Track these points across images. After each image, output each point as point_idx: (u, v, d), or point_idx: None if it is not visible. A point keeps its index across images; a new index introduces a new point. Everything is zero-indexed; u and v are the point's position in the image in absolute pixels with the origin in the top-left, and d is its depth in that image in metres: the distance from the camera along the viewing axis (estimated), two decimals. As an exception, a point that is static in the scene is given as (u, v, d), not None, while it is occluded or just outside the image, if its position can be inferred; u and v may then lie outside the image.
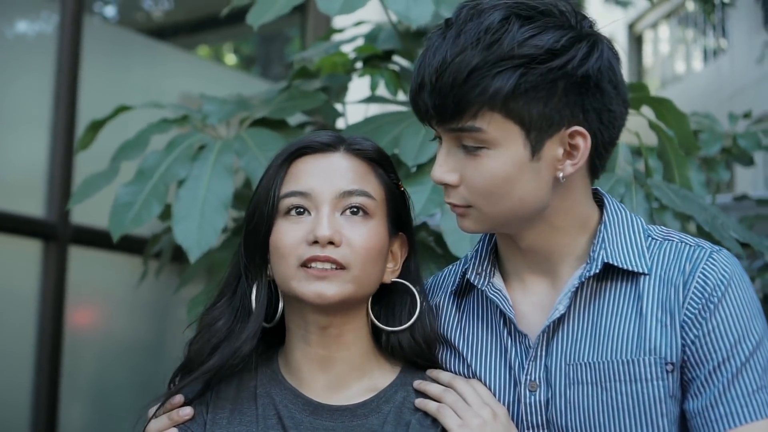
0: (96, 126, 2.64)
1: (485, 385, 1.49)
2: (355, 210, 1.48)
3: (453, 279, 1.59)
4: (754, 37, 12.53)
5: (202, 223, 2.24)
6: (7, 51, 4.31)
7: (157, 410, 1.51)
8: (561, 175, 1.40)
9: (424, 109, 1.40)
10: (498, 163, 1.38)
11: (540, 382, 1.45)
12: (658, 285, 1.44)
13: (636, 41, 17.34)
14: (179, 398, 1.51)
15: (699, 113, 3.49)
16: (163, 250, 2.89)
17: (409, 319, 1.53)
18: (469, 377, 1.51)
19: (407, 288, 1.55)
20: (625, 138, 1.79)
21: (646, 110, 2.45)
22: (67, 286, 4.18)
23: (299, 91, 2.57)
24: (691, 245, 1.46)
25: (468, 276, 1.53)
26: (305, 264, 1.44)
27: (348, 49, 2.73)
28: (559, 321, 1.46)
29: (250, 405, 1.50)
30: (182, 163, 2.35)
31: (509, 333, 1.49)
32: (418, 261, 1.59)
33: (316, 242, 1.44)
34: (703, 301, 1.41)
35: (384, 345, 1.54)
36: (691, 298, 1.42)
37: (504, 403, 1.47)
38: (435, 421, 1.45)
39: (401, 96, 2.68)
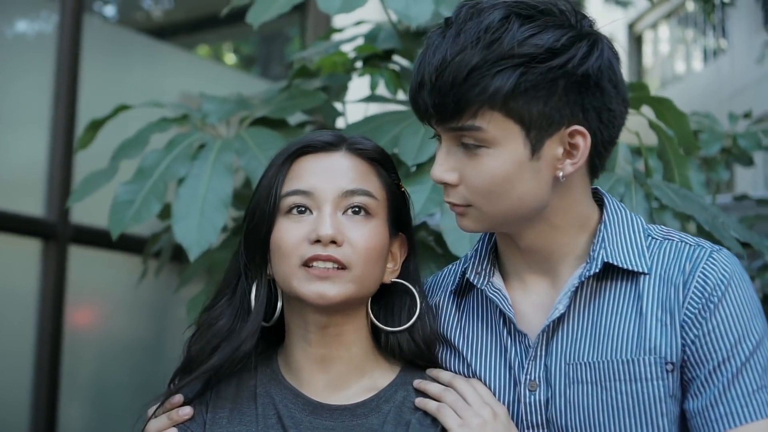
0: (95, 125, 2.64)
1: (485, 384, 1.49)
2: (357, 210, 1.47)
3: (452, 278, 1.59)
4: (754, 37, 12.53)
5: (202, 222, 2.24)
6: (7, 50, 4.31)
7: (156, 410, 1.50)
8: (561, 174, 1.40)
9: (423, 108, 1.40)
10: (498, 162, 1.38)
11: (540, 381, 1.45)
12: (658, 284, 1.44)
13: (636, 41, 17.33)
14: (179, 398, 1.50)
15: (699, 113, 3.49)
16: (163, 249, 2.89)
17: (409, 320, 1.53)
18: (469, 377, 1.51)
19: (406, 288, 1.55)
20: (625, 138, 1.79)
21: (646, 110, 2.45)
22: (67, 285, 4.18)
23: (299, 90, 2.57)
24: (691, 245, 1.46)
25: (467, 275, 1.53)
26: (307, 263, 1.44)
27: (348, 48, 2.73)
28: (559, 320, 1.46)
29: (250, 404, 1.50)
30: (182, 161, 2.35)
31: (509, 332, 1.49)
32: (417, 261, 1.58)
33: (318, 241, 1.44)
34: (703, 300, 1.41)
35: (383, 345, 1.54)
36: (691, 298, 1.42)
37: (504, 403, 1.47)
38: (435, 421, 1.45)
39: (401, 95, 2.68)
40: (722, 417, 1.38)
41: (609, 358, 1.42)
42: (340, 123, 2.76)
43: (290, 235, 1.46)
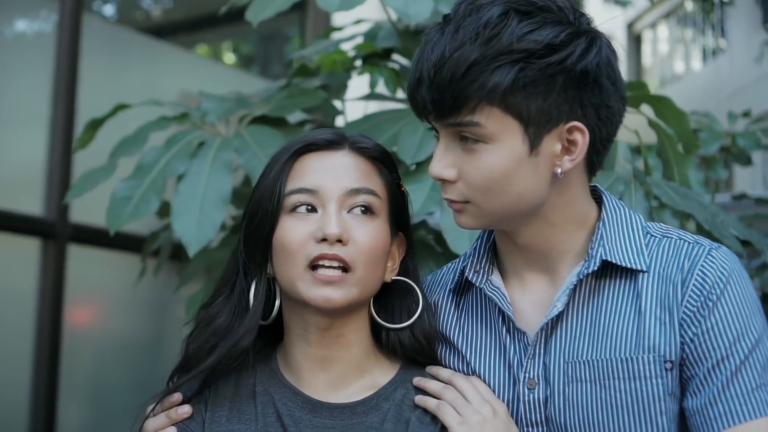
0: (95, 124, 2.64)
1: (484, 382, 1.49)
2: (363, 209, 1.47)
3: (451, 277, 1.59)
4: (753, 36, 12.53)
5: (201, 218, 2.24)
6: (7, 50, 4.31)
7: (153, 408, 1.50)
8: (559, 170, 1.40)
9: (422, 104, 1.40)
10: (496, 158, 1.38)
11: (539, 379, 1.45)
12: (656, 282, 1.44)
13: (635, 41, 17.34)
14: (177, 396, 1.50)
15: (698, 112, 3.50)
16: (162, 247, 2.89)
17: (409, 317, 1.52)
18: (469, 375, 1.50)
19: (406, 285, 1.54)
20: (625, 136, 1.79)
21: (645, 108, 2.45)
22: (66, 284, 4.18)
23: (299, 88, 2.57)
24: (690, 242, 1.46)
25: (466, 274, 1.53)
26: (313, 264, 1.43)
27: (347, 47, 2.73)
28: (558, 318, 1.45)
29: (249, 403, 1.49)
30: (181, 158, 2.35)
31: (508, 330, 1.49)
32: (416, 260, 1.58)
33: (324, 240, 1.43)
34: (702, 298, 1.41)
35: (384, 342, 1.54)
36: (690, 296, 1.41)
37: (503, 401, 1.47)
38: (435, 418, 1.45)
39: (400, 94, 2.68)
40: (721, 415, 1.38)
41: (608, 356, 1.42)
42: (339, 121, 2.76)
43: (295, 233, 1.45)
